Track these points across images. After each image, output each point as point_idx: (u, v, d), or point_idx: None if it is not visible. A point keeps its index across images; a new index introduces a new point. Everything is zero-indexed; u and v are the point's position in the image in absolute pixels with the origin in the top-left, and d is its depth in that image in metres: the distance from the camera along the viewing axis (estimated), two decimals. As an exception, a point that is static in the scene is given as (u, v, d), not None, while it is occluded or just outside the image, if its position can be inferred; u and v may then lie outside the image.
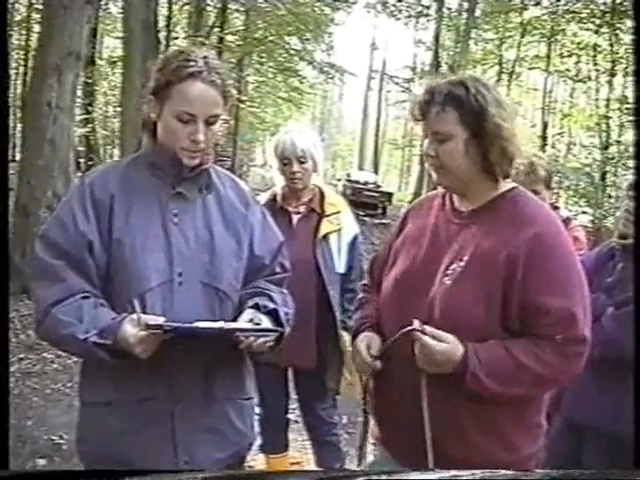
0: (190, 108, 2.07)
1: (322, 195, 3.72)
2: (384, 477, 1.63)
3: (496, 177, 2.14)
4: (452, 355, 2.02)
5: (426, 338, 2.02)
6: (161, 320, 1.97)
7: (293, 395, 3.97)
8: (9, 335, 6.78)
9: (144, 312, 1.99)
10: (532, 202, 2.18)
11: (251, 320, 2.13)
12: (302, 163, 3.58)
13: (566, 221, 3.64)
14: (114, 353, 1.98)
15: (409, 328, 2.05)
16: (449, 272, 2.11)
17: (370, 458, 2.49)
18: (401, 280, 2.25)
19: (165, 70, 2.09)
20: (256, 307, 2.21)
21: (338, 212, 3.69)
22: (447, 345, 2.02)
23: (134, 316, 1.96)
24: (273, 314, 2.24)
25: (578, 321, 2.01)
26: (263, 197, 3.72)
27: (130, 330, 1.95)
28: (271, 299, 2.28)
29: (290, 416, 4.10)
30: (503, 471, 1.67)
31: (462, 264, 2.09)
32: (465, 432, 2.09)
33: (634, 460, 2.24)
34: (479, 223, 2.14)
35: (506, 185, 2.19)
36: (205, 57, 2.12)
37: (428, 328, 2.03)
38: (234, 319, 2.16)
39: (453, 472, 1.65)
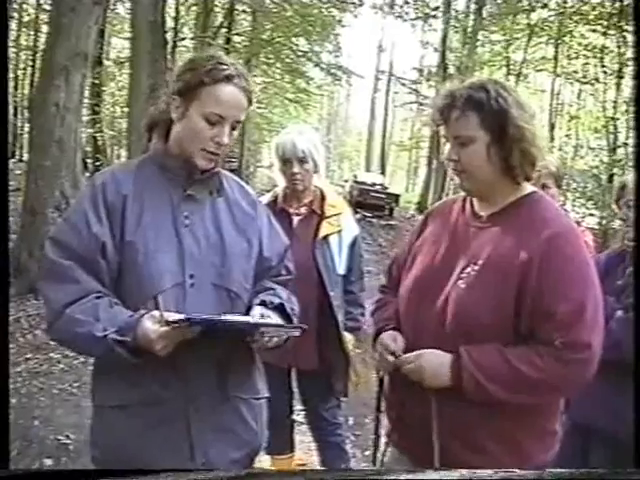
0: (221, 110, 2.09)
1: (323, 196, 3.71)
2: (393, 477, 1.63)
3: (517, 180, 2.14)
4: (440, 359, 2.07)
5: (406, 355, 2.14)
6: (180, 317, 1.95)
7: (297, 396, 3.97)
8: (15, 335, 6.83)
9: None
10: (550, 206, 2.17)
11: (261, 316, 2.15)
12: (303, 164, 3.57)
13: (575, 225, 3.65)
14: (132, 351, 1.97)
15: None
16: (463, 275, 2.11)
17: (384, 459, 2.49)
18: (417, 282, 2.26)
19: (198, 71, 2.10)
20: (263, 303, 2.23)
21: (338, 214, 3.68)
22: (431, 350, 2.10)
23: (155, 313, 1.96)
24: (280, 309, 2.26)
25: (581, 326, 1.98)
26: (264, 198, 3.70)
27: (150, 326, 1.94)
28: (276, 295, 2.31)
29: (297, 417, 4.10)
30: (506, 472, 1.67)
31: (477, 267, 2.09)
32: (477, 439, 2.09)
33: (634, 460, 2.23)
34: (497, 227, 2.14)
35: (526, 189, 2.19)
36: (234, 64, 2.16)
37: None
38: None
39: (458, 472, 1.65)
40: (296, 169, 3.56)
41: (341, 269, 3.66)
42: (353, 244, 3.71)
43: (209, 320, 1.96)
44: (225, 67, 2.11)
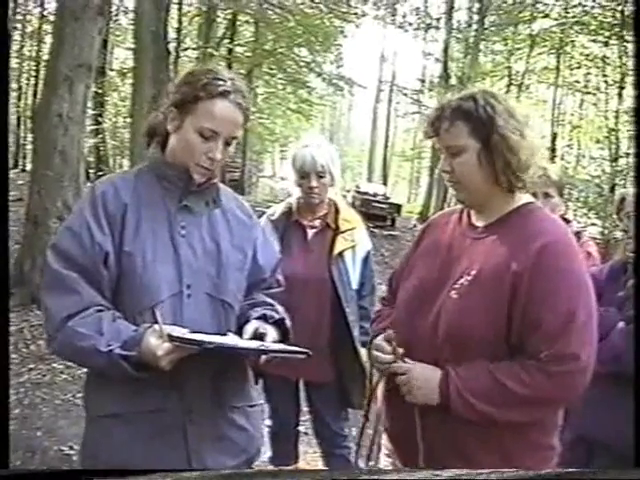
0: (215, 125, 2.10)
1: (337, 210, 3.68)
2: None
3: (505, 189, 2.13)
4: (430, 373, 2.07)
5: (399, 364, 2.14)
6: (180, 331, 1.96)
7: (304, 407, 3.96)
8: (18, 346, 6.81)
9: (156, 323, 1.99)
10: (545, 216, 2.17)
11: (256, 330, 2.16)
12: (321, 178, 3.53)
13: (577, 235, 3.64)
14: (136, 365, 1.97)
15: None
16: (457, 286, 2.11)
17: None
18: (413, 293, 2.26)
19: (194, 85, 2.11)
20: (263, 317, 2.24)
21: (353, 228, 3.65)
22: (423, 365, 2.10)
23: (156, 327, 1.96)
24: (278, 324, 2.28)
25: (568, 337, 1.96)
26: (278, 209, 3.71)
27: (154, 342, 1.94)
28: (275, 310, 2.32)
29: (300, 428, 4.09)
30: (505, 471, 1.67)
31: (470, 278, 2.09)
32: (470, 453, 2.09)
33: (634, 460, 2.22)
34: (492, 237, 2.14)
35: (522, 199, 2.19)
36: (232, 79, 2.16)
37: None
38: (238, 329, 2.19)
39: (454, 472, 1.65)
40: (314, 183, 3.53)
41: (354, 284, 3.64)
42: (366, 259, 3.69)
43: (222, 346, 1.95)
44: (221, 82, 2.11)
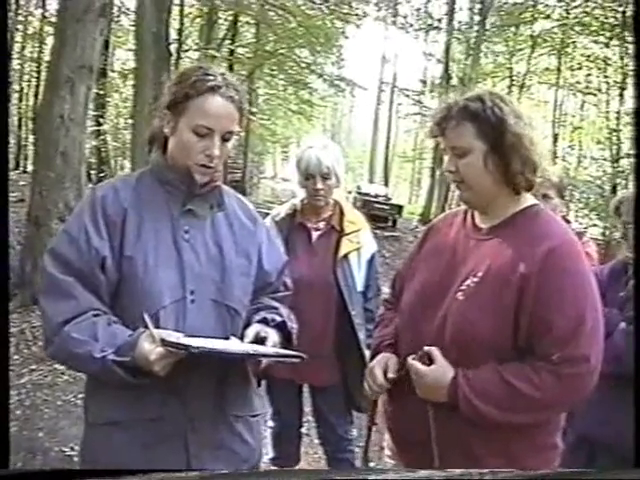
0: (208, 122, 2.07)
1: (342, 212, 3.65)
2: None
3: (519, 188, 2.13)
4: (441, 378, 2.05)
5: (415, 363, 2.10)
6: (176, 336, 1.95)
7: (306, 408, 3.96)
8: (20, 347, 6.81)
9: (157, 328, 1.97)
10: (551, 219, 2.17)
11: (257, 333, 2.14)
12: (326, 179, 3.49)
13: (578, 236, 3.63)
14: (131, 371, 1.95)
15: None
16: (463, 287, 2.10)
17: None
18: (417, 295, 2.26)
19: (183, 84, 2.09)
20: (264, 321, 2.22)
21: (358, 230, 3.62)
22: (435, 367, 2.07)
23: (152, 332, 1.93)
24: (281, 327, 2.26)
25: (578, 340, 1.97)
26: (282, 210, 3.67)
27: (148, 347, 1.92)
28: (278, 313, 2.30)
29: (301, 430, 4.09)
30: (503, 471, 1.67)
31: (476, 280, 2.09)
32: (476, 453, 2.08)
33: (634, 460, 2.22)
34: (497, 239, 2.13)
35: (527, 201, 2.19)
36: (223, 74, 2.13)
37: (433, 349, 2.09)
38: (241, 333, 2.17)
39: (457, 471, 1.64)
40: (319, 185, 3.49)
41: (359, 286, 3.61)
42: (371, 261, 3.66)
43: (208, 349, 1.92)
44: (211, 78, 2.08)
